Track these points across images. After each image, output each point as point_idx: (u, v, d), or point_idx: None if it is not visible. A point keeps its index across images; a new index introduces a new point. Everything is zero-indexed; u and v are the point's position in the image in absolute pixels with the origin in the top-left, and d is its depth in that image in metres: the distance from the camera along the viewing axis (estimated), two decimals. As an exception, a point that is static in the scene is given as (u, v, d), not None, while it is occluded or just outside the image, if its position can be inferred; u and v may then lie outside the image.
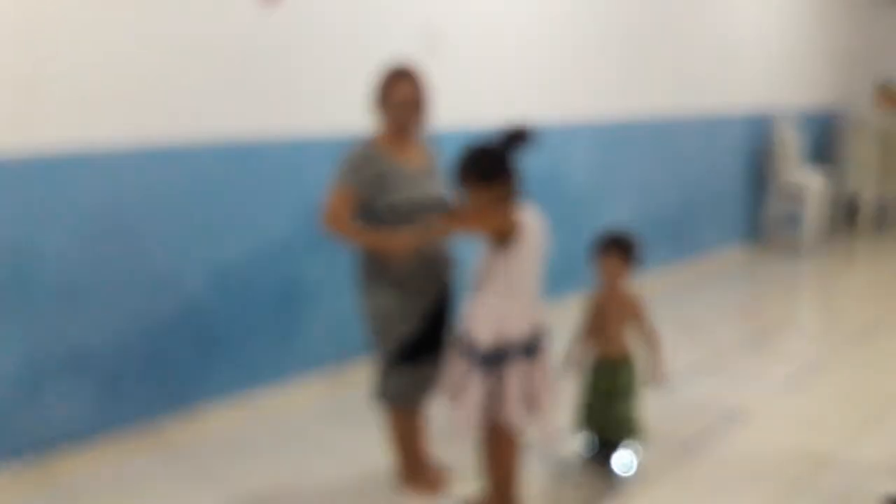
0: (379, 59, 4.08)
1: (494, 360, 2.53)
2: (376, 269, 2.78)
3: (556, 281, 5.06)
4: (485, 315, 2.55)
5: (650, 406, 3.60)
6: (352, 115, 4.00)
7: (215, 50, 3.52)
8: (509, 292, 2.54)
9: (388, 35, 4.16)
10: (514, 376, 2.54)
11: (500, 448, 2.65)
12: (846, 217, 8.79)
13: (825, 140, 8.48)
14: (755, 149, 7.40)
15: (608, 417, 3.09)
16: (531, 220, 2.57)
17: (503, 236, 2.51)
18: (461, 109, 4.45)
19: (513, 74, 4.89)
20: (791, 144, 7.39)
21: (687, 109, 6.42)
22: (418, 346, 2.78)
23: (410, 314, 2.77)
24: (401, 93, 2.81)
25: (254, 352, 3.80)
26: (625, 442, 3.09)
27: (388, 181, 2.76)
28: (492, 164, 2.53)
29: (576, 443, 3.24)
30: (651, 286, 5.83)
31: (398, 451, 2.97)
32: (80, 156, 3.15)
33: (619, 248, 3.05)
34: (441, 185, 2.87)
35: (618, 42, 5.66)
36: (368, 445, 3.34)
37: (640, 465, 3.11)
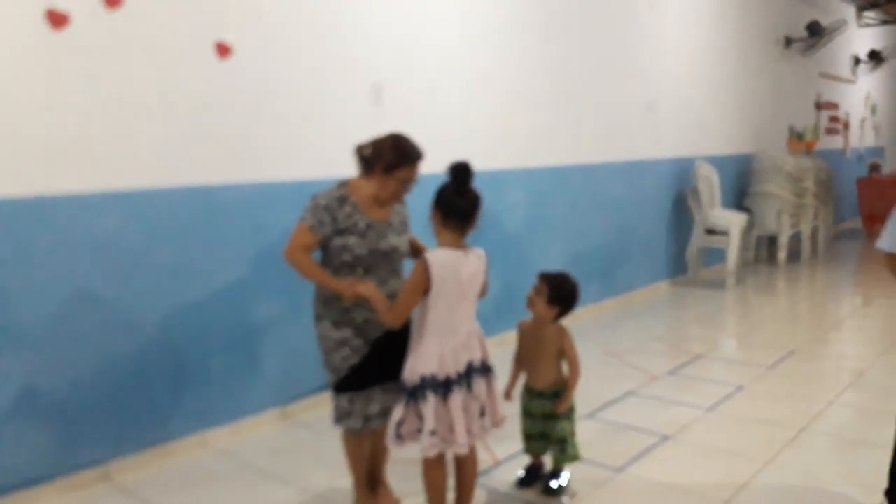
0: (331, 110, 4.32)
1: (413, 392, 2.73)
2: (328, 303, 2.96)
3: (495, 317, 5.32)
4: (412, 354, 2.77)
5: (583, 430, 3.84)
6: (307, 162, 4.23)
7: (177, 102, 3.68)
8: (430, 332, 2.73)
9: (340, 88, 4.39)
10: (430, 407, 2.70)
11: (427, 469, 2.86)
12: (765, 251, 9.31)
13: (744, 180, 8.98)
14: (680, 190, 7.81)
15: (545, 442, 3.30)
16: (444, 261, 2.68)
17: (421, 282, 2.68)
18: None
19: (453, 124, 5.15)
20: (713, 185, 7.81)
21: (614, 156, 6.78)
22: (365, 375, 2.96)
23: (358, 346, 2.94)
24: (411, 175, 2.96)
25: (211, 391, 3.90)
26: (561, 465, 3.30)
27: (357, 229, 2.92)
28: (438, 197, 2.74)
29: (517, 468, 3.45)
30: (583, 321, 6.11)
31: (352, 474, 3.15)
32: (39, 201, 3.26)
33: (547, 285, 3.24)
34: (400, 236, 3.06)
35: (549, 95, 5.99)
36: (323, 476, 3.50)
37: (573, 486, 3.33)
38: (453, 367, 2.73)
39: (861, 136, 13.13)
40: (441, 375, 2.71)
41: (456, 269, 2.70)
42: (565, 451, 3.27)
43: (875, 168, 12.86)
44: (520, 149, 5.75)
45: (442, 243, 2.74)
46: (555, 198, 6.13)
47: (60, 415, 3.37)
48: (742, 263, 8.02)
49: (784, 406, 4.32)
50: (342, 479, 3.47)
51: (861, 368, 4.98)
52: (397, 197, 3.01)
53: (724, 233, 7.73)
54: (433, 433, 2.72)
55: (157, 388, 3.69)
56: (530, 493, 3.32)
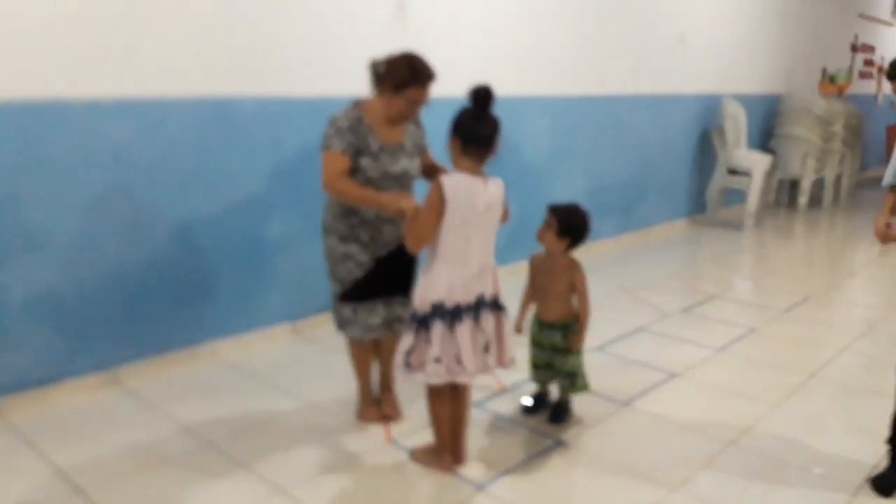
0: (352, 25, 4.18)
1: (422, 320, 2.67)
2: (336, 217, 3.02)
3: (509, 247, 5.27)
4: (422, 280, 2.70)
5: (592, 363, 3.84)
6: (325, 78, 4.12)
7: (195, 10, 3.56)
8: (441, 259, 2.65)
9: (362, 2, 4.23)
10: (437, 334, 2.64)
11: (429, 398, 2.85)
12: (788, 195, 9.17)
13: (771, 122, 8.78)
14: (705, 127, 7.64)
15: (556, 372, 3.29)
16: (459, 185, 2.58)
17: (436, 205, 2.58)
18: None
19: (477, 47, 4.99)
20: (739, 124, 7.63)
21: (641, 89, 6.60)
22: (369, 288, 3.05)
23: (363, 261, 3.03)
24: (421, 95, 2.91)
25: (218, 304, 3.90)
26: (572, 394, 3.31)
27: (370, 151, 2.93)
28: (456, 122, 2.63)
29: (522, 396, 3.46)
30: (599, 255, 6.07)
31: (356, 381, 3.30)
32: (53, 107, 3.19)
33: (557, 218, 3.16)
34: (412, 159, 3.05)
35: (578, 23, 5.79)
36: (328, 389, 3.54)
37: (577, 417, 3.34)
38: (462, 296, 2.66)
39: None
40: (449, 303, 2.65)
41: (471, 195, 2.59)
42: (574, 383, 3.28)
43: (906, 115, 12.52)
44: (546, 77, 5.60)
45: (459, 169, 2.64)
46: (579, 129, 6.00)
47: (72, 318, 3.39)
48: (762, 206, 7.90)
49: (795, 351, 4.30)
50: (346, 393, 3.52)
51: (874, 318, 4.93)
52: (404, 117, 2.98)
53: (747, 174, 7.59)
54: (437, 360, 2.66)
55: (169, 297, 3.69)
56: (535, 420, 3.34)
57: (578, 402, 3.41)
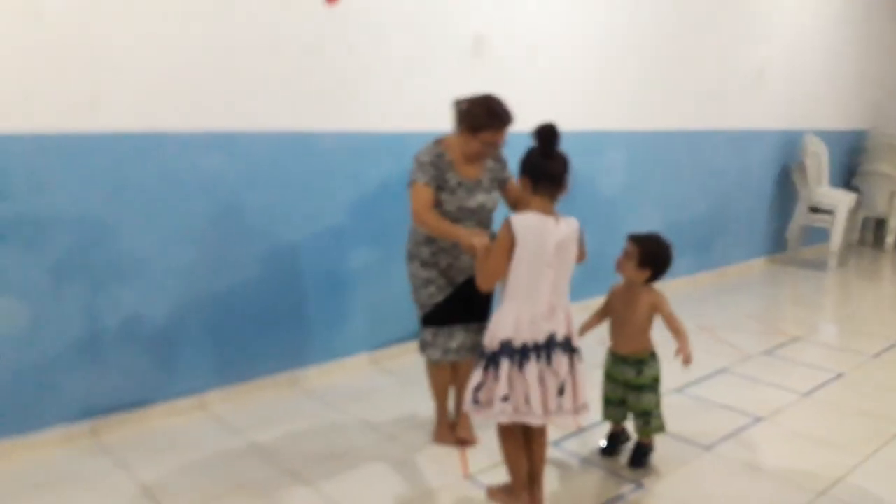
0: (432, 62, 4.27)
1: (491, 357, 2.65)
2: (419, 244, 3.20)
3: (584, 282, 5.23)
4: (493, 317, 2.69)
5: (671, 405, 3.76)
6: (404, 114, 4.21)
7: (281, 46, 3.70)
8: (512, 297, 2.64)
9: (441, 40, 4.33)
10: (504, 372, 2.62)
11: (500, 438, 2.81)
12: (872, 234, 8.86)
13: (855, 159, 8.53)
14: (785, 164, 7.47)
15: (630, 410, 3.23)
16: (529, 223, 2.58)
17: (506, 243, 2.59)
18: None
19: (555, 84, 5.03)
20: (821, 160, 7.44)
21: (719, 123, 6.51)
22: (447, 313, 3.20)
23: (442, 285, 3.19)
24: (495, 138, 3.03)
25: (301, 333, 3.99)
26: (645, 437, 3.24)
27: (448, 186, 3.09)
28: (524, 162, 2.65)
29: (600, 437, 3.41)
30: (675, 293, 5.95)
31: (434, 402, 3.43)
32: (147, 137, 3.35)
33: (638, 247, 3.12)
34: (490, 194, 3.19)
35: (655, 57, 5.77)
36: (405, 419, 3.56)
37: (657, 460, 3.27)
38: (530, 335, 2.62)
39: None
40: (517, 342, 2.62)
41: (542, 233, 2.58)
42: (649, 423, 3.20)
43: None
44: (621, 111, 5.58)
45: (531, 208, 2.64)
46: (654, 163, 5.95)
47: (163, 344, 3.52)
48: (846, 245, 7.65)
49: (887, 398, 4.12)
50: (424, 424, 3.54)
51: (972, 366, 4.71)
52: (481, 156, 3.11)
53: (830, 211, 7.38)
54: (505, 399, 2.62)
55: (253, 325, 3.80)
56: (612, 462, 3.29)
57: (658, 445, 3.34)
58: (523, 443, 2.83)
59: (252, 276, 3.75)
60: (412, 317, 4.34)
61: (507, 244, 2.59)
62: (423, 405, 3.78)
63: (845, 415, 3.88)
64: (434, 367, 3.34)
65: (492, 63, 4.58)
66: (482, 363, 2.69)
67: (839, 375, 4.43)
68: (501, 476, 3.04)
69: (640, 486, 3.10)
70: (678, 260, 6.06)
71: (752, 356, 4.72)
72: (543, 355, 2.65)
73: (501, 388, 2.63)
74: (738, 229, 7.04)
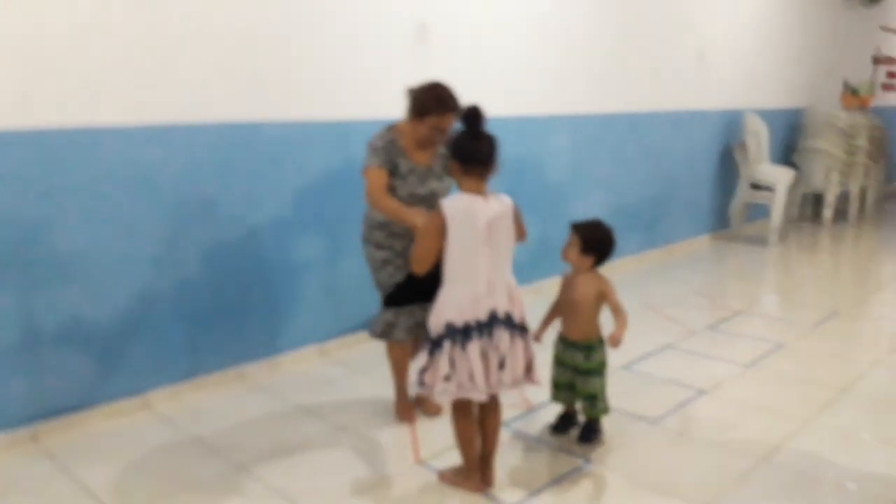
0: (374, 49, 4.25)
1: (436, 341, 2.69)
2: (373, 228, 3.28)
3: (532, 265, 5.28)
4: (436, 302, 2.72)
5: (619, 382, 3.83)
6: (347, 102, 4.18)
7: (217, 36, 3.63)
8: (450, 279, 2.69)
9: (381, 27, 4.30)
10: (445, 354, 2.66)
11: (453, 417, 2.85)
12: (811, 209, 9.10)
13: (794, 135, 8.73)
14: (727, 143, 7.62)
15: (577, 394, 3.28)
16: (458, 206, 2.62)
17: (437, 229, 2.63)
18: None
19: (499, 70, 5.04)
20: (761, 139, 7.60)
21: (662, 105, 6.61)
22: (408, 292, 3.26)
23: (400, 265, 3.26)
24: (444, 123, 3.10)
25: (249, 327, 3.95)
26: (592, 417, 3.30)
27: (399, 172, 3.17)
28: (453, 145, 2.69)
29: (549, 416, 3.46)
30: (622, 272, 6.06)
31: (394, 384, 3.51)
32: (81, 133, 3.26)
33: (579, 235, 3.17)
34: (441, 181, 3.28)
35: (597, 41, 5.82)
36: (356, 411, 3.55)
37: (605, 436, 3.32)
38: (472, 314, 2.66)
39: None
40: (459, 322, 2.66)
41: (471, 213, 2.61)
42: (595, 406, 3.26)
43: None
44: (566, 95, 5.63)
45: (464, 191, 2.67)
46: (599, 147, 6.02)
47: (103, 344, 3.44)
48: (786, 221, 7.85)
49: (824, 366, 4.25)
50: (375, 414, 3.54)
51: (905, 332, 4.88)
52: (431, 142, 3.17)
53: (770, 188, 7.56)
54: (447, 378, 2.67)
55: (196, 321, 3.74)
56: (563, 440, 3.33)
57: (606, 421, 3.39)
58: (478, 421, 2.87)
59: (195, 270, 3.69)
60: (361, 306, 4.37)
61: (435, 227, 2.64)
62: (375, 393, 3.79)
63: (785, 384, 4.00)
64: (395, 347, 3.43)
65: (436, 50, 4.57)
66: (427, 346, 2.73)
67: (780, 346, 4.56)
68: (454, 459, 3.06)
69: (588, 461, 3.15)
70: (625, 240, 6.21)
71: (697, 331, 4.82)
72: (486, 332, 2.69)
73: (442, 368, 2.68)
74: (682, 208, 7.16)
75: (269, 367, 4.04)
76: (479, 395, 2.71)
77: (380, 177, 3.13)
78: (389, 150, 3.15)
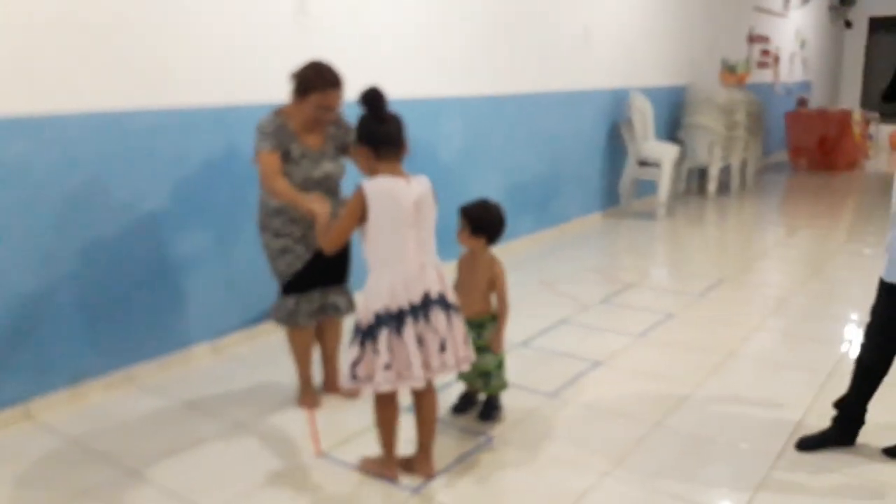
0: (251, 31, 4.11)
1: (368, 331, 2.62)
2: (270, 215, 3.22)
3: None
4: (364, 291, 2.65)
5: (517, 358, 3.87)
6: (226, 86, 4.04)
7: (82, 21, 3.42)
8: (376, 265, 2.63)
9: (261, 7, 4.16)
10: (384, 341, 2.59)
11: (377, 405, 2.79)
12: (696, 183, 9.46)
13: (676, 113, 9.05)
14: (614, 122, 7.82)
15: (476, 372, 3.28)
16: (381, 188, 2.57)
17: (356, 213, 2.58)
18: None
19: (383, 51, 4.97)
20: (646, 116, 7.84)
21: (551, 85, 6.71)
22: (308, 279, 3.27)
23: (300, 252, 3.23)
24: (328, 100, 3.08)
25: (134, 327, 3.77)
26: (490, 394, 3.32)
27: (292, 157, 3.12)
28: (360, 131, 2.64)
29: (449, 398, 3.46)
30: (518, 251, 6.14)
31: (298, 371, 3.48)
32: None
33: (466, 217, 3.16)
34: (335, 161, 3.25)
35: (485, 23, 5.83)
36: (254, 407, 3.46)
37: (504, 412, 3.35)
38: (405, 297, 2.61)
39: (790, 71, 13.34)
40: (393, 307, 2.60)
41: (395, 195, 2.57)
42: (489, 383, 3.27)
43: (802, 103, 13.12)
44: (454, 77, 5.62)
45: (380, 174, 2.61)
46: (490, 128, 6.05)
47: (-27, 352, 3.22)
48: (673, 195, 8.14)
49: (712, 332, 4.43)
50: (271, 410, 3.45)
51: (785, 296, 5.14)
52: (318, 121, 3.14)
53: (657, 164, 7.81)
54: (387, 367, 2.60)
55: (76, 324, 3.54)
56: (465, 419, 3.34)
57: (506, 397, 3.42)
58: (413, 406, 2.85)
59: (71, 270, 3.49)
60: (258, 297, 4.24)
61: (357, 210, 2.58)
62: (272, 387, 3.70)
63: (676, 351, 4.14)
64: (297, 333, 3.38)
65: (316, 30, 4.46)
66: (357, 339, 2.64)
67: (669, 315, 4.72)
68: (353, 450, 3.03)
69: (490, 438, 3.17)
70: (520, 220, 6.28)
71: (591, 305, 4.93)
72: (421, 315, 2.64)
73: (383, 357, 2.59)
74: (573, 187, 7.31)
75: (160, 366, 3.88)
76: (417, 383, 2.64)
77: (273, 161, 3.07)
78: (279, 134, 3.09)
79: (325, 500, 2.76)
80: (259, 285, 4.27)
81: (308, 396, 3.48)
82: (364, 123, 2.63)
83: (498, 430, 3.23)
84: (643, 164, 7.89)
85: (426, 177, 2.73)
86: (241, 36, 4.08)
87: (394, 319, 2.61)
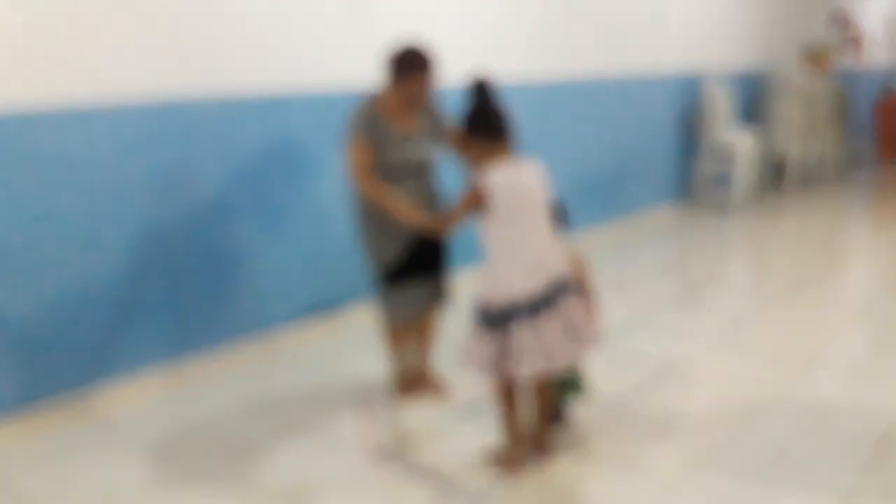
0: (301, 18, 4.00)
1: (498, 320, 2.63)
2: (367, 212, 3.16)
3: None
4: (487, 281, 2.68)
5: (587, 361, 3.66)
6: (281, 74, 3.94)
7: (137, 14, 3.38)
8: (503, 255, 2.64)
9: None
10: (521, 332, 2.60)
11: (500, 397, 2.79)
12: (773, 176, 9.04)
13: (753, 101, 8.64)
14: (686, 109, 7.49)
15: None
16: (504, 181, 2.61)
17: (478, 206, 2.63)
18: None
19: (443, 37, 4.77)
20: (721, 104, 7.50)
21: (619, 71, 6.45)
22: (406, 272, 3.19)
23: (397, 248, 3.15)
24: (420, 84, 3.06)
25: (182, 319, 3.71)
26: (569, 397, 3.14)
27: (386, 142, 3.08)
28: (470, 119, 2.72)
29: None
30: (583, 245, 5.89)
31: (394, 366, 3.39)
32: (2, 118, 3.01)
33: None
34: (428, 147, 3.20)
35: (552, 9, 5.62)
36: (296, 414, 3.34)
37: (579, 418, 3.18)
38: (532, 286, 2.62)
39: (879, 56, 12.66)
40: (522, 297, 2.61)
41: (516, 187, 2.63)
42: (576, 383, 3.08)
43: (891, 90, 12.42)
44: (518, 62, 5.41)
45: (494, 164, 2.64)
46: (555, 116, 5.82)
47: (30, 341, 3.20)
48: (749, 188, 7.77)
49: (792, 336, 4.16)
50: (326, 406, 3.38)
51: (871, 299, 4.81)
52: (410, 106, 3.11)
53: (732, 155, 7.46)
54: (530, 355, 2.61)
55: (133, 314, 3.50)
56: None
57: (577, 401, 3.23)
58: (533, 394, 2.84)
59: (126, 259, 3.44)
60: (306, 291, 4.15)
61: (478, 203, 2.62)
62: (322, 383, 3.63)
63: (754, 355, 3.90)
64: (396, 330, 3.32)
65: (371, 15, 4.32)
66: (484, 327, 2.66)
67: (747, 318, 4.45)
68: (411, 450, 2.99)
69: (562, 442, 2.98)
70: (586, 211, 6.04)
71: (664, 306, 4.71)
72: (546, 302, 2.64)
73: (526, 344, 2.59)
74: (643, 178, 7.02)
75: (212, 357, 3.81)
76: (554, 367, 2.68)
77: (363, 153, 3.04)
78: (372, 121, 3.07)
79: (381, 500, 2.69)
80: (311, 276, 4.19)
81: (407, 385, 3.42)
82: (474, 114, 2.71)
83: (568, 435, 3.07)
84: (718, 154, 7.54)
85: (536, 160, 2.78)
86: (296, 24, 3.97)
87: (524, 309, 2.61)
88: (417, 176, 3.17)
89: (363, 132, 3.05)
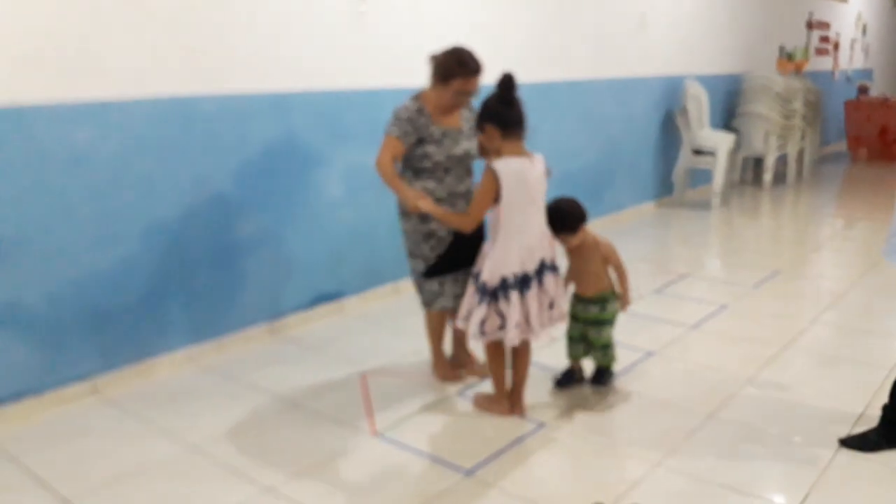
0: (311, 20, 4.17)
1: (494, 293, 3.00)
2: (409, 217, 3.35)
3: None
4: (488, 258, 3.02)
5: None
6: (286, 72, 4.09)
7: (150, 10, 3.52)
8: (506, 237, 2.97)
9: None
10: (515, 303, 2.99)
11: (490, 357, 3.23)
12: (752, 172, 9.30)
13: (732, 101, 8.89)
14: (668, 109, 7.72)
15: (588, 345, 3.50)
16: (512, 169, 2.90)
17: (493, 190, 2.93)
18: (392, 70, 4.57)
19: (440, 40, 4.97)
20: (702, 104, 7.73)
21: (604, 72, 6.65)
22: (451, 261, 3.36)
23: (443, 237, 3.33)
24: (467, 86, 3.20)
25: (195, 307, 3.88)
26: (606, 365, 3.54)
27: (433, 138, 3.25)
28: (490, 113, 2.94)
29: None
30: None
31: (432, 348, 3.63)
32: (11, 113, 3.14)
33: (560, 224, 3.27)
34: (471, 141, 3.35)
35: (539, 8, 5.81)
36: (308, 388, 3.53)
37: (559, 400, 3.41)
38: (530, 264, 3.00)
39: (851, 58, 12.99)
40: (519, 272, 2.98)
41: (523, 174, 2.91)
42: (607, 354, 3.48)
43: (863, 90, 12.77)
44: (507, 64, 5.58)
45: (506, 153, 2.92)
46: (542, 115, 6.02)
47: (45, 329, 3.35)
48: (728, 184, 8.02)
49: (766, 324, 4.38)
50: (327, 390, 3.53)
51: (841, 289, 5.04)
52: (456, 106, 3.27)
53: (712, 153, 7.70)
54: (518, 325, 3.00)
55: (141, 303, 3.66)
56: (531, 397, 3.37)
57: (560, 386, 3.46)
58: (512, 359, 3.25)
59: (135, 251, 3.59)
60: (310, 283, 4.33)
61: (492, 189, 2.92)
62: (325, 369, 3.78)
63: (730, 342, 4.11)
64: (438, 317, 3.53)
65: (375, 18, 4.51)
66: (484, 298, 3.02)
67: (723, 307, 4.67)
68: (408, 430, 3.10)
69: (541, 425, 3.19)
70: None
71: (644, 295, 4.91)
72: (537, 278, 3.04)
73: (514, 316, 2.99)
74: (626, 176, 7.25)
75: (218, 347, 3.99)
76: (535, 337, 3.09)
77: (394, 147, 3.21)
78: (417, 119, 3.22)
79: (378, 479, 2.82)
80: (315, 268, 4.36)
81: (442, 368, 3.64)
82: (493, 106, 2.93)
83: (549, 418, 3.26)
84: (698, 153, 7.78)
85: (542, 155, 3.05)
86: (301, 25, 4.14)
87: (519, 283, 3.00)
88: (462, 166, 3.35)
89: (400, 131, 3.20)
